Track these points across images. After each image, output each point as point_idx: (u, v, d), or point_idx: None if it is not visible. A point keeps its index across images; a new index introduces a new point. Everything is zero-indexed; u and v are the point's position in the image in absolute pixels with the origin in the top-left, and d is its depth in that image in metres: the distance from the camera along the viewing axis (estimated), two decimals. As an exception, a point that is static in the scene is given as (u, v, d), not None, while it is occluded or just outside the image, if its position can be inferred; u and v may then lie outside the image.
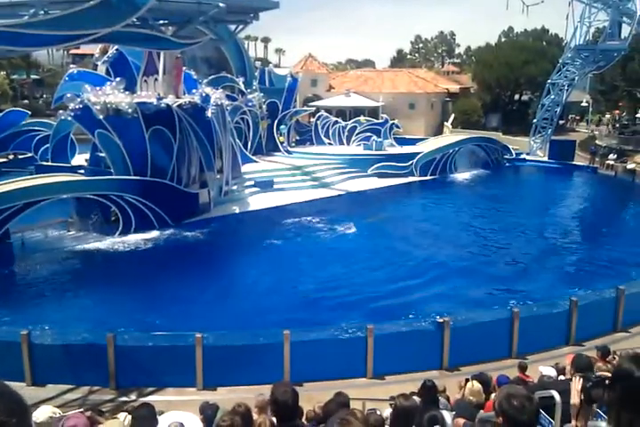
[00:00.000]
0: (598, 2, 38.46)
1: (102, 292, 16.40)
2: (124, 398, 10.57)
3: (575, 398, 2.61)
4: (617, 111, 55.84)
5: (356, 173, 34.08)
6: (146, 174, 22.21)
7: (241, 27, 25.28)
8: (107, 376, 11.05)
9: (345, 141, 39.32)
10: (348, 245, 21.72)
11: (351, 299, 16.18)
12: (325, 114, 40.62)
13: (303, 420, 7.16)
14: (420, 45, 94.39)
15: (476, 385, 7.52)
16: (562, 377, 7.92)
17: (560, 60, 41.34)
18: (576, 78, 41.35)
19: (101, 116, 21.56)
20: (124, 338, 11.15)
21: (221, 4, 20.45)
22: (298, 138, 40.36)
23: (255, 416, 6.60)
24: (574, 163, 40.94)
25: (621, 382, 1.99)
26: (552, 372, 8.41)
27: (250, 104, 33.55)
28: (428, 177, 35.72)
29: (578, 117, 58.98)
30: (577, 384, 2.59)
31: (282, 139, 36.75)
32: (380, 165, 34.84)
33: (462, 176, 37.00)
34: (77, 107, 21.90)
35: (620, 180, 36.94)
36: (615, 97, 49.78)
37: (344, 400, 6.16)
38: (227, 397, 9.74)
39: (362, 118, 40.46)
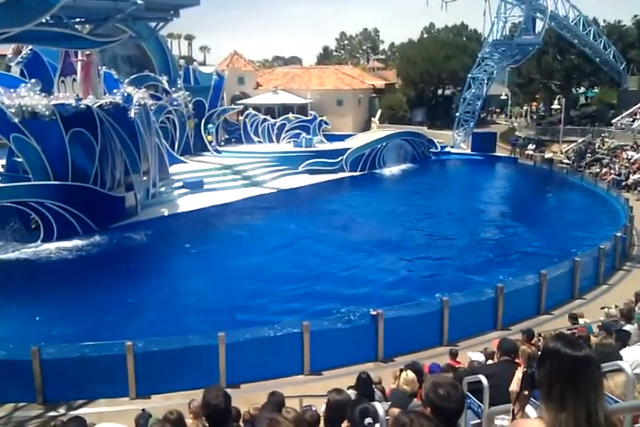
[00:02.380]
0: (512, -2, 40.08)
1: (24, 304, 15.57)
2: (53, 413, 10.14)
3: (514, 386, 2.80)
4: (534, 103, 58.34)
5: (286, 170, 34.10)
6: (67, 179, 21.35)
7: (161, 24, 24.65)
8: (33, 391, 10.56)
9: (275, 139, 39.26)
10: (285, 243, 21.65)
11: (287, 298, 16.15)
12: (254, 112, 40.35)
13: (240, 422, 7.08)
14: (346, 42, 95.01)
15: (410, 375, 7.66)
16: (490, 361, 8.21)
17: (479, 55, 42.76)
18: (495, 72, 42.91)
19: (17, 120, 20.58)
20: (50, 351, 10.67)
21: (139, 1, 19.80)
22: (227, 137, 39.86)
23: (189, 422, 6.48)
24: (496, 154, 42.62)
25: (549, 359, 2.17)
26: (480, 357, 8.71)
27: (175, 103, 32.80)
28: (358, 173, 36.20)
29: (498, 110, 61.17)
30: (519, 373, 2.77)
31: (210, 138, 36.17)
32: (310, 161, 35.00)
33: (391, 171, 37.74)
34: (-11, 110, 20.78)
35: (538, 168, 38.78)
36: (532, 89, 51.94)
37: (278, 400, 6.14)
38: (161, 404, 9.52)
39: (290, 116, 40.46)
